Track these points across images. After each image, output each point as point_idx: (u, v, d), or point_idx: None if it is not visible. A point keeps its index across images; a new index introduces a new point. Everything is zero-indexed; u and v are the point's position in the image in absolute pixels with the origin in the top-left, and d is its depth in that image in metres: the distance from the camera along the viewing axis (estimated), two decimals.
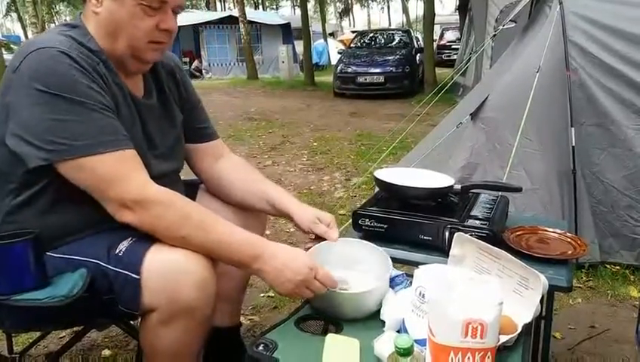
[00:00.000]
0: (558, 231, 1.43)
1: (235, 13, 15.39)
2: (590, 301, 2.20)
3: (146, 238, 1.08)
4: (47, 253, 1.12)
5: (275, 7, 40.96)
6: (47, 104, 1.02)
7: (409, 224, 1.33)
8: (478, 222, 1.31)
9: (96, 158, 1.04)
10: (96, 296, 1.08)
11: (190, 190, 1.45)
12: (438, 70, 10.82)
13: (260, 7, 34.00)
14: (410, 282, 1.29)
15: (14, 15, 31.59)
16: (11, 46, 14.64)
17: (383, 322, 1.12)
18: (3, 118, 1.07)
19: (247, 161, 1.54)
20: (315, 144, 5.87)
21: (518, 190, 1.46)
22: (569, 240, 1.38)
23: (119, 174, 1.06)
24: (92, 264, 1.08)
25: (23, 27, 26.13)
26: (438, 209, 1.38)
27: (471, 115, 2.69)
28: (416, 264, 1.37)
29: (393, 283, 1.20)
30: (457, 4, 12.10)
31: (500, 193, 1.50)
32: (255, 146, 5.78)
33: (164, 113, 1.32)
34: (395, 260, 1.26)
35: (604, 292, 2.25)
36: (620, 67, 2.35)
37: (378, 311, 1.13)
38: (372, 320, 1.12)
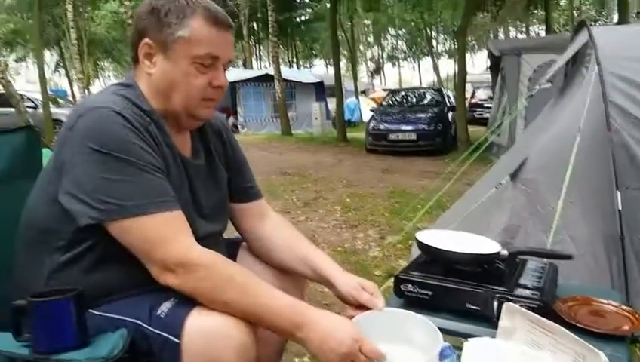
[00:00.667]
0: (613, 303, 1.35)
1: (271, 71, 15.89)
2: None
3: (188, 300, 1.07)
4: (90, 311, 1.11)
5: (308, 65, 42.21)
6: (100, 163, 1.04)
7: (455, 291, 1.28)
8: (528, 291, 1.26)
9: (143, 219, 1.05)
10: (136, 358, 1.06)
11: (231, 249, 1.45)
12: (471, 128, 10.83)
13: (295, 65, 35.07)
14: (458, 356, 1.23)
15: (62, 70, 33.34)
16: (58, 100, 15.33)
17: None
18: (56, 175, 1.10)
19: (288, 222, 1.53)
20: (348, 200, 5.86)
21: (569, 258, 1.40)
22: (626, 313, 1.30)
23: (164, 236, 1.06)
24: (133, 324, 1.07)
25: (70, 82, 27.47)
26: (485, 276, 1.33)
27: (510, 175, 2.64)
28: (463, 335, 1.32)
29: (440, 356, 1.14)
30: (489, 63, 12.21)
31: (549, 260, 1.44)
32: (289, 201, 5.80)
33: (211, 173, 1.33)
34: (439, 330, 1.20)
35: None
36: None
37: None
38: None
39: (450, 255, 1.31)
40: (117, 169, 1.05)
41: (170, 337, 1.03)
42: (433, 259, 1.40)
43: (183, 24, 1.13)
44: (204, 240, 1.17)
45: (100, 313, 1.11)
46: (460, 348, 1.28)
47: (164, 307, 1.07)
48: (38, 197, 1.18)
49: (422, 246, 1.38)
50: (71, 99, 21.56)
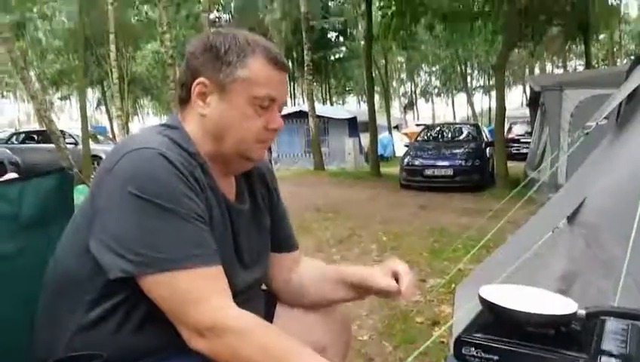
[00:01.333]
0: None
1: (305, 108, 16.03)
2: None
3: None
4: None
5: (341, 102, 42.62)
6: (138, 210, 0.95)
7: (527, 357, 1.11)
8: (613, 359, 1.08)
9: (177, 275, 0.94)
10: None
11: (269, 298, 1.35)
12: (508, 164, 10.55)
13: (328, 102, 35.45)
14: None
15: (103, 108, 34.56)
16: (97, 137, 15.78)
17: None
18: (88, 221, 1.00)
19: (318, 261, 1.46)
20: (384, 238, 5.68)
21: None
22: None
23: (198, 295, 0.95)
24: None
25: (110, 119, 28.43)
26: (560, 340, 1.16)
27: (567, 218, 2.45)
28: None
29: None
30: (527, 99, 12.02)
31: (632, 321, 1.25)
32: (322, 239, 5.66)
33: (254, 219, 1.24)
34: None
35: None
36: None
37: None
38: None
39: (522, 315, 1.15)
40: (155, 217, 0.95)
41: None
42: (499, 318, 1.23)
43: (243, 64, 1.07)
44: (245, 290, 1.11)
45: None
46: None
47: None
48: (68, 245, 1.08)
49: (486, 303, 1.22)
50: (110, 135, 22.24)
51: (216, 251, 1.01)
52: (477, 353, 1.16)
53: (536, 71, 33.05)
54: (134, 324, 1.02)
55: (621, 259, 2.07)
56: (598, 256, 2.32)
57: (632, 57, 3.08)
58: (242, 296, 1.11)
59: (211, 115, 1.09)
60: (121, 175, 0.97)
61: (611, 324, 1.26)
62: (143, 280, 0.95)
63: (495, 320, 1.26)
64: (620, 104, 3.19)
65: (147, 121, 49.10)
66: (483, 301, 1.24)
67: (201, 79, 1.08)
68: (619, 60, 26.99)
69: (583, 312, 1.21)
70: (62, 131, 11.77)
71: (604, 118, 3.07)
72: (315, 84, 22.57)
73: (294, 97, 36.83)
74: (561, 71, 30.09)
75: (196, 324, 0.94)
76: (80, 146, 13.02)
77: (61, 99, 37.56)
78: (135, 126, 41.35)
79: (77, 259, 1.03)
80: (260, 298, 1.29)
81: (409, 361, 2.28)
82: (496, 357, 1.16)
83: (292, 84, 35.30)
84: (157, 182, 0.96)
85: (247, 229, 1.20)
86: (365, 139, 15.51)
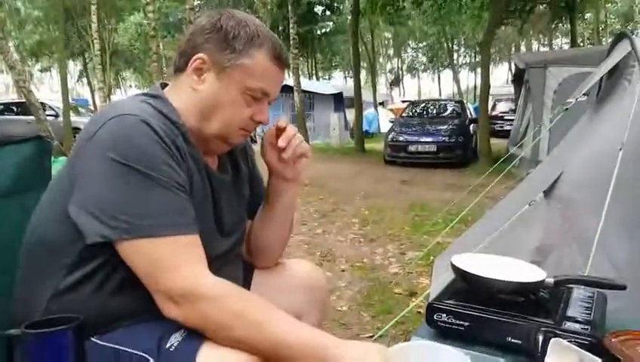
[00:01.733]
0: None
1: (290, 82, 15.90)
2: None
3: (199, 333, 0.96)
4: (93, 339, 1.00)
5: (328, 77, 42.30)
6: (118, 176, 0.95)
7: (495, 323, 1.15)
8: (577, 325, 1.12)
9: (154, 242, 0.95)
10: None
11: (247, 266, 1.37)
12: (491, 141, 10.63)
13: (314, 77, 35.16)
14: None
15: (84, 80, 33.89)
16: (79, 109, 15.51)
17: None
18: (69, 186, 1.00)
19: None
20: (366, 213, 5.73)
21: (622, 288, 1.26)
22: None
23: (173, 263, 0.95)
24: (139, 358, 0.96)
25: (92, 91, 27.95)
26: (528, 306, 1.19)
27: (544, 192, 2.49)
28: None
29: None
30: (512, 76, 12.04)
31: (597, 289, 1.30)
32: (305, 213, 5.69)
33: (235, 189, 1.25)
34: None
35: None
36: None
37: None
38: None
39: (492, 283, 1.18)
40: (135, 183, 0.95)
41: None
42: (470, 286, 1.27)
43: (248, 53, 1.08)
44: (223, 256, 1.12)
45: (104, 343, 1.01)
46: None
47: (174, 339, 0.97)
48: (46, 210, 1.08)
49: (458, 271, 1.25)
50: (92, 108, 21.87)
51: (194, 220, 1.01)
52: (448, 319, 1.20)
53: (522, 49, 33.06)
54: (112, 288, 1.02)
55: (593, 232, 2.12)
56: (572, 229, 2.37)
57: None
58: (220, 261, 1.12)
59: (203, 92, 1.09)
60: (102, 141, 0.96)
61: (578, 292, 1.30)
62: (120, 245, 0.96)
63: (466, 287, 1.29)
64: (601, 80, 3.23)
65: (129, 93, 48.39)
66: (455, 269, 1.27)
67: (201, 55, 1.09)
68: (604, 39, 27.10)
69: (551, 280, 1.24)
70: (42, 103, 11.54)
71: (584, 94, 3.12)
72: (300, 58, 22.31)
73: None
74: (547, 49, 30.15)
75: (169, 291, 0.95)
76: (61, 118, 12.80)
77: (41, 70, 36.76)
78: (117, 98, 40.79)
79: (55, 225, 1.03)
80: (238, 264, 1.31)
81: (385, 329, 2.34)
82: (466, 323, 1.19)
83: None
84: (138, 149, 0.96)
85: (228, 198, 1.21)
86: (351, 114, 15.47)
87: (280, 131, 1.20)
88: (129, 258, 0.97)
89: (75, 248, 1.00)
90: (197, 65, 1.09)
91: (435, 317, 1.22)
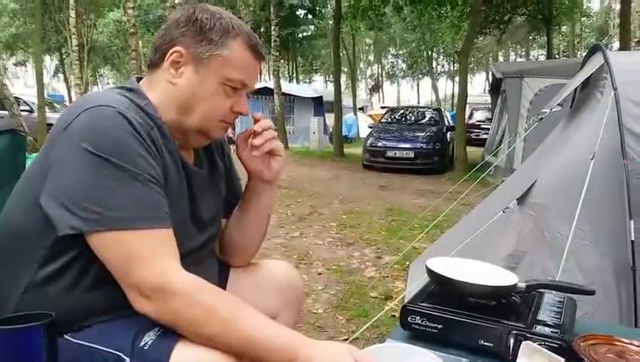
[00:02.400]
0: (636, 343, 1.24)
1: (271, 85, 15.86)
2: None
3: (175, 331, 0.96)
4: (66, 336, 0.99)
5: (308, 80, 42.33)
6: (92, 167, 0.93)
7: (468, 326, 1.17)
8: (547, 329, 1.14)
9: (125, 234, 0.94)
10: None
11: (222, 265, 1.37)
12: (468, 149, 10.78)
13: (294, 80, 35.16)
14: None
15: (61, 76, 33.28)
16: (54, 105, 15.22)
17: None
18: (41, 177, 0.98)
19: None
20: (344, 217, 5.75)
21: (591, 293, 1.29)
22: None
23: (145, 256, 0.94)
24: (113, 357, 0.95)
25: (68, 87, 27.45)
26: (500, 310, 1.21)
27: (517, 199, 2.54)
28: None
29: None
30: (489, 86, 12.23)
31: (567, 294, 1.33)
32: (283, 215, 5.68)
33: (211, 184, 1.25)
34: None
35: None
36: None
37: None
38: None
39: (465, 286, 1.20)
40: (108, 175, 0.94)
41: None
42: (444, 289, 1.28)
43: (224, 44, 1.08)
44: (196, 251, 1.11)
45: (78, 341, 0.99)
46: None
47: (148, 338, 0.95)
48: (18, 201, 1.06)
49: (433, 275, 1.27)
50: (68, 104, 21.49)
51: (168, 214, 1.00)
52: (422, 321, 1.21)
53: (500, 59, 33.60)
54: (87, 283, 1.01)
55: (565, 239, 2.17)
56: (544, 236, 2.42)
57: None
58: (195, 256, 1.12)
59: (182, 85, 1.09)
60: (76, 131, 0.95)
61: (548, 297, 1.33)
62: (91, 237, 0.94)
63: (440, 290, 1.31)
64: (575, 92, 3.30)
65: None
66: (430, 272, 1.28)
67: (178, 48, 1.08)
68: (579, 52, 27.73)
69: (522, 285, 1.27)
70: (16, 98, 11.29)
71: (559, 104, 3.18)
72: (281, 60, 22.33)
73: (260, 73, 36.38)
74: (524, 59, 30.70)
75: (141, 286, 0.93)
76: (35, 114, 12.54)
77: (16, 64, 35.99)
78: None
79: (27, 215, 1.01)
80: (213, 260, 1.30)
81: (360, 332, 2.35)
82: (439, 326, 1.21)
83: None
84: (113, 140, 0.95)
85: (204, 192, 1.20)
86: (330, 119, 15.51)
87: (256, 133, 1.21)
88: (100, 251, 0.95)
89: (47, 240, 0.98)
90: (174, 59, 1.09)
91: (409, 319, 1.23)
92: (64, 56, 28.89)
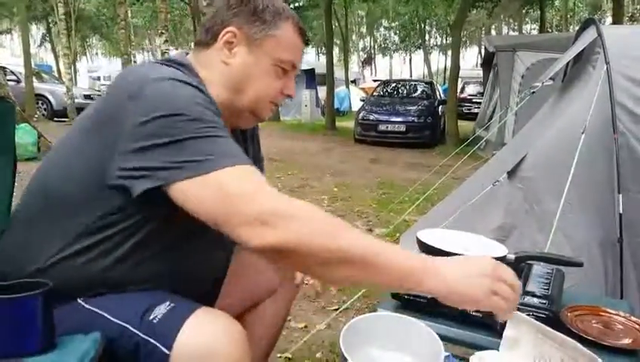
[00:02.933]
0: (622, 313, 1.27)
1: None
2: None
3: (185, 306, 0.96)
4: (79, 300, 1.00)
5: None
6: (170, 126, 0.91)
7: None
8: (536, 300, 1.17)
9: (222, 173, 0.89)
10: None
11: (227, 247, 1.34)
12: (459, 123, 10.79)
13: None
14: None
15: (48, 45, 32.63)
16: (42, 75, 14.96)
17: None
18: (102, 149, 0.96)
19: None
20: (335, 189, 5.76)
21: (579, 265, 1.31)
22: (637, 326, 1.22)
23: (249, 188, 0.89)
24: (118, 327, 0.95)
25: (56, 57, 26.94)
26: None
27: (508, 173, 2.56)
28: (464, 343, 1.23)
29: None
30: (481, 59, 12.17)
31: (555, 266, 1.35)
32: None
33: None
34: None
35: None
36: None
37: None
38: None
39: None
40: (187, 129, 0.91)
41: (159, 346, 0.91)
42: None
43: (277, 25, 1.11)
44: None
45: (89, 306, 0.99)
46: (459, 357, 1.19)
47: (158, 311, 0.95)
48: (64, 171, 1.03)
49: (423, 246, 1.28)
50: (56, 74, 21.12)
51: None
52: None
53: (493, 32, 33.36)
54: (119, 255, 1.01)
55: (554, 213, 2.20)
56: (533, 209, 2.45)
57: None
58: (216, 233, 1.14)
59: (235, 65, 1.10)
60: (153, 99, 0.93)
61: (537, 269, 1.35)
62: (179, 186, 0.90)
63: None
64: (567, 66, 3.30)
65: (96, 61, 46.86)
66: (420, 243, 1.30)
67: (232, 28, 1.10)
68: (572, 27, 27.59)
69: (512, 256, 1.29)
70: (2, 67, 11.09)
71: (550, 78, 3.18)
72: None
73: None
74: (516, 33, 30.51)
75: (260, 214, 0.86)
76: (22, 84, 12.34)
77: (1, 33, 35.18)
78: (83, 66, 39.40)
79: (76, 186, 1.00)
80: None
81: (351, 302, 2.39)
82: (428, 296, 1.22)
83: None
84: (188, 101, 0.95)
85: None
86: (322, 92, 15.39)
87: None
88: (192, 197, 0.90)
89: (92, 215, 0.99)
90: (228, 39, 1.10)
91: (399, 293, 1.25)
92: (51, 26, 28.26)
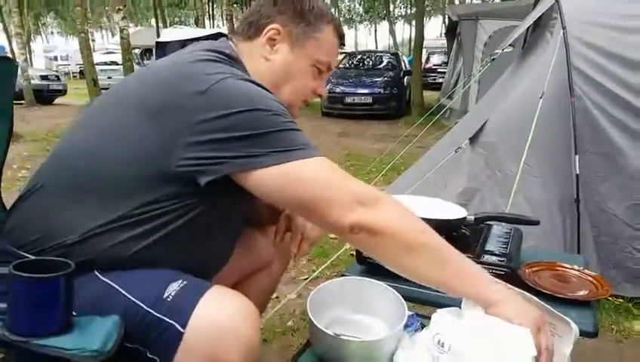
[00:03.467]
0: (577, 267, 1.33)
1: (224, 30, 15.37)
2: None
3: (198, 284, 0.96)
4: (95, 272, 0.98)
5: None
6: (252, 120, 0.94)
7: None
8: (494, 258, 1.21)
9: (308, 162, 0.95)
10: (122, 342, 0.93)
11: None
12: (424, 93, 10.86)
13: None
14: (421, 324, 1.17)
15: (0, 25, 31.27)
16: None
17: None
18: (167, 140, 0.96)
19: None
20: None
21: (536, 223, 1.36)
22: (590, 278, 1.28)
23: (338, 175, 0.96)
24: (131, 303, 0.94)
25: (9, 37, 25.83)
26: (451, 242, 1.26)
27: (470, 139, 2.61)
28: (427, 302, 1.26)
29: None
30: (445, 29, 12.23)
31: (513, 225, 1.39)
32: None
33: None
34: (402, 298, 1.14)
35: (608, 327, 2.15)
36: (624, 95, 2.29)
37: None
38: None
39: None
40: (270, 123, 0.95)
41: (173, 324, 0.91)
42: None
43: (319, 27, 1.13)
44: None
45: (105, 279, 0.98)
46: (423, 316, 1.23)
47: (171, 289, 0.95)
48: (121, 151, 1.01)
49: None
50: (9, 55, 20.28)
51: None
52: None
53: (456, 2, 33.48)
54: (157, 238, 1.01)
55: (513, 176, 2.26)
56: (495, 173, 2.51)
57: None
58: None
59: (277, 62, 1.12)
60: (225, 95, 0.95)
61: (496, 229, 1.40)
62: (263, 174, 0.93)
63: None
64: (527, 32, 3.35)
65: (52, 40, 45.13)
66: None
67: (276, 25, 1.11)
68: None
69: (472, 217, 1.33)
70: None
71: (510, 45, 3.22)
72: (234, 5, 21.57)
73: (213, 18, 35.13)
74: (479, 1, 30.68)
75: (355, 196, 0.93)
76: None
77: None
78: (38, 46, 37.90)
79: (130, 169, 0.99)
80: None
81: (320, 270, 2.42)
82: None
83: (210, 4, 33.53)
84: (260, 97, 0.97)
85: None
86: None
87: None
88: (279, 183, 0.95)
89: (141, 198, 0.98)
90: (271, 35, 1.11)
91: (364, 255, 1.27)
92: (1, 3, 27.03)
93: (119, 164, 1.00)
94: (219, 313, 0.92)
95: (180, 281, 0.96)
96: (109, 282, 0.98)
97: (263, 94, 0.99)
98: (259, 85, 1.02)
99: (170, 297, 0.94)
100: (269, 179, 0.95)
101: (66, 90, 13.69)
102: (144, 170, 0.99)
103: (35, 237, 1.01)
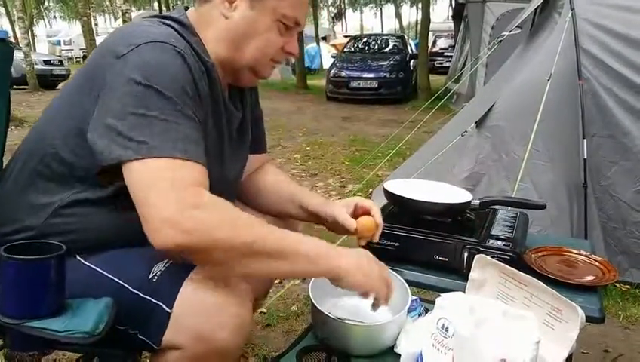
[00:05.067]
0: (583, 252, 1.31)
1: None
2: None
3: (184, 263, 0.94)
4: (78, 257, 0.98)
5: None
6: (140, 97, 0.88)
7: (424, 243, 1.20)
8: (499, 242, 1.19)
9: (165, 162, 0.87)
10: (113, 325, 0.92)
11: None
12: (431, 77, 10.76)
13: None
14: (425, 308, 1.17)
15: (2, 10, 31.14)
16: None
17: (397, 355, 1.00)
18: (89, 104, 0.93)
19: (283, 172, 1.45)
20: (307, 148, 5.74)
21: (542, 207, 1.34)
22: (597, 264, 1.26)
23: (179, 183, 0.87)
24: (118, 285, 0.94)
25: (11, 22, 25.76)
26: (455, 227, 1.25)
27: (476, 123, 2.57)
28: (431, 287, 1.26)
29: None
30: (452, 12, 12.07)
31: (519, 210, 1.38)
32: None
33: (242, 125, 1.21)
34: (406, 282, 1.13)
35: (615, 313, 2.14)
36: (634, 77, 2.25)
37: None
38: (384, 352, 0.99)
39: (421, 205, 1.22)
40: (155, 105, 0.88)
41: (160, 304, 0.90)
42: (401, 209, 1.31)
43: None
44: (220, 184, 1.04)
45: (88, 263, 0.98)
46: (427, 300, 1.22)
47: (157, 269, 0.94)
48: (60, 123, 1.00)
49: (390, 195, 1.29)
50: (12, 40, 20.23)
51: (204, 153, 0.94)
52: (380, 239, 1.24)
53: None
54: (121, 207, 0.96)
55: (520, 160, 2.23)
56: (501, 157, 2.49)
57: None
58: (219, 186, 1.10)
59: (236, 19, 1.04)
60: (132, 64, 0.90)
61: (502, 213, 1.38)
62: (131, 166, 0.88)
63: (398, 210, 1.33)
64: (535, 13, 3.29)
65: (55, 25, 44.97)
66: (387, 193, 1.30)
67: None
68: None
69: (477, 202, 1.31)
70: None
71: (518, 26, 3.17)
72: None
73: None
74: None
75: (171, 214, 0.84)
76: None
77: None
78: (41, 30, 37.77)
79: (73, 139, 0.97)
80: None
81: None
82: (397, 243, 1.24)
83: None
84: (168, 76, 0.91)
85: (236, 135, 1.18)
86: None
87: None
88: (133, 178, 0.88)
89: (92, 168, 0.95)
90: None
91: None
92: None
93: (61, 144, 0.98)
94: (205, 290, 0.91)
95: (165, 261, 0.95)
96: (94, 267, 0.97)
97: (173, 69, 0.92)
98: (187, 51, 0.96)
99: (156, 278, 0.93)
100: (131, 171, 0.88)
101: (69, 75, 13.67)
102: (83, 143, 0.94)
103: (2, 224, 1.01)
